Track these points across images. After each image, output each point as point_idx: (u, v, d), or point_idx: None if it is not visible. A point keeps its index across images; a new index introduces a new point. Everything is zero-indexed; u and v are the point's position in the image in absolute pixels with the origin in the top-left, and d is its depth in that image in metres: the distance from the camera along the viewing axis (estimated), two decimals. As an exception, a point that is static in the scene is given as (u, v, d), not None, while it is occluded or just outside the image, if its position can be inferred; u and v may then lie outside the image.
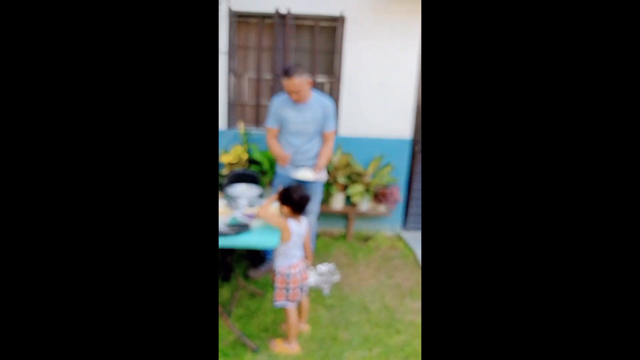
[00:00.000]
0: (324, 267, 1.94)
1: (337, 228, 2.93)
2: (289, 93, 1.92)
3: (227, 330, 1.65)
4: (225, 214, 1.59)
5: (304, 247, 1.60)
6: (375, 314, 1.87)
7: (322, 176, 2.07)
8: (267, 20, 2.75)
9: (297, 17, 2.72)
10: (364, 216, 2.82)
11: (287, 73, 1.85)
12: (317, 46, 2.77)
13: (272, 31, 2.74)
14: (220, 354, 1.54)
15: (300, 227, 1.51)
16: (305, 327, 1.74)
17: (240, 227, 1.46)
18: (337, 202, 2.76)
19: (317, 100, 2.01)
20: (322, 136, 2.08)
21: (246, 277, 2.19)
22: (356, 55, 2.72)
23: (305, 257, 1.62)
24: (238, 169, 2.62)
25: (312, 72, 2.83)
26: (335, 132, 2.12)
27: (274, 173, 2.31)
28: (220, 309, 1.62)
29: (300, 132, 2.03)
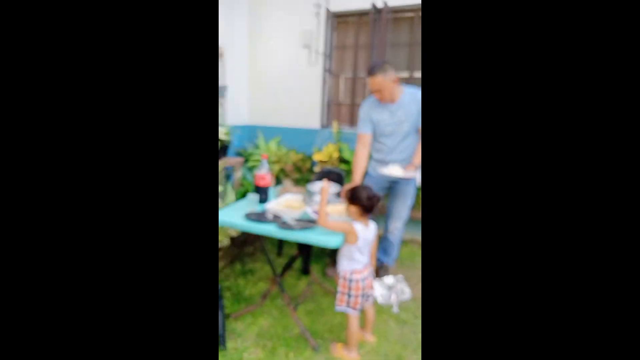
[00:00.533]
0: (391, 280, 1.77)
1: (427, 238, 2.66)
2: (373, 92, 1.80)
3: (294, 323, 1.70)
4: (297, 209, 1.64)
5: (371, 256, 1.50)
6: (455, 344, 1.60)
7: (414, 175, 1.83)
8: (366, 18, 2.70)
9: (395, 10, 2.58)
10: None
11: (370, 71, 1.74)
12: (416, 39, 2.56)
13: (370, 28, 2.67)
14: (284, 342, 1.60)
15: (368, 232, 1.42)
16: (371, 338, 1.63)
17: (306, 223, 1.48)
18: (428, 209, 2.49)
19: (409, 95, 1.82)
20: (418, 132, 1.86)
21: (324, 274, 2.21)
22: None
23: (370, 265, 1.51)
24: (328, 167, 2.68)
25: (411, 67, 2.64)
26: None
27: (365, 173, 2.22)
28: (287, 300, 1.68)
29: (394, 133, 1.87)
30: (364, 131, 1.90)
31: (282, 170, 3.02)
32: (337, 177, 2.40)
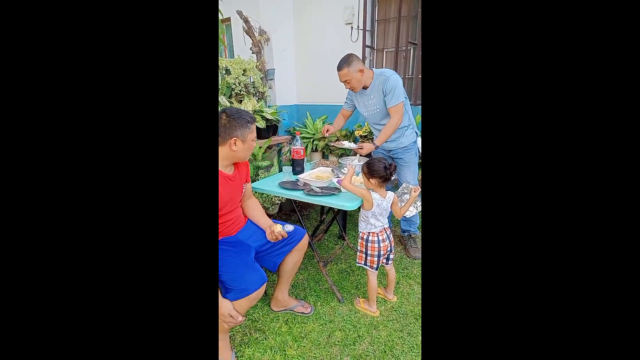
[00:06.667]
0: (417, 202, 1.88)
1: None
2: (344, 84, 1.96)
3: (325, 278, 1.94)
4: (325, 179, 1.83)
5: (394, 212, 1.62)
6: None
7: (362, 149, 1.97)
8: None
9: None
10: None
11: (338, 67, 1.91)
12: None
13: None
14: (314, 293, 1.85)
15: (384, 202, 1.54)
16: (392, 298, 1.78)
17: (329, 190, 1.66)
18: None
19: (377, 78, 1.93)
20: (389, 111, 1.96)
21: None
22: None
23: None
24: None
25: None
26: (402, 104, 1.93)
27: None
28: (318, 257, 1.91)
29: (371, 114, 2.07)
30: (344, 107, 2.21)
31: (327, 146, 3.21)
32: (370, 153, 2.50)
